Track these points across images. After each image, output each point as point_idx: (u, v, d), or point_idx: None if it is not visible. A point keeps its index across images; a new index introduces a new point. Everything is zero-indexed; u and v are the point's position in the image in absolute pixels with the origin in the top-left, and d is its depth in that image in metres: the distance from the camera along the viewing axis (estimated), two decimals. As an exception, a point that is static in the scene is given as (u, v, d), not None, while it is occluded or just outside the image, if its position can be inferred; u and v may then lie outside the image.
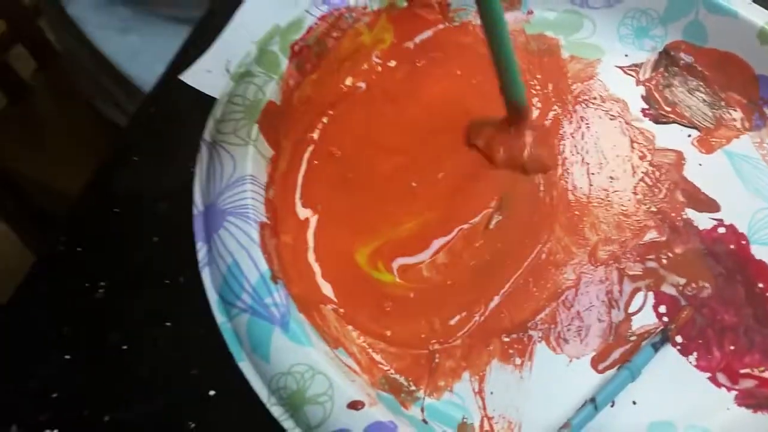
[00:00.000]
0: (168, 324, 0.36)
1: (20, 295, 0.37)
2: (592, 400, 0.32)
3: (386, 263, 0.38)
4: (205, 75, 0.44)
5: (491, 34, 0.36)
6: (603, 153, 0.42)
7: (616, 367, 0.35)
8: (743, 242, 0.39)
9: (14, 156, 0.79)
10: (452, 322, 0.36)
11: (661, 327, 0.36)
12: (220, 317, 0.34)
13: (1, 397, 0.34)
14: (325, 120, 0.43)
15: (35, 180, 0.79)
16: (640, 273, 0.38)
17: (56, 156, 0.79)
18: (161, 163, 0.42)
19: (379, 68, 0.46)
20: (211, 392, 0.34)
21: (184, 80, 0.44)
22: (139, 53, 0.68)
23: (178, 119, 0.43)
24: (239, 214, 0.36)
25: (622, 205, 0.40)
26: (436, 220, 0.40)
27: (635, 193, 0.40)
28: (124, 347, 0.35)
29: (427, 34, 0.47)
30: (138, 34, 0.69)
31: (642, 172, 0.41)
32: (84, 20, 0.69)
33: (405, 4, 0.46)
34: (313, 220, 0.39)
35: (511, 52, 0.37)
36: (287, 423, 0.31)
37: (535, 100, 0.44)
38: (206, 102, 0.42)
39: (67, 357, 0.35)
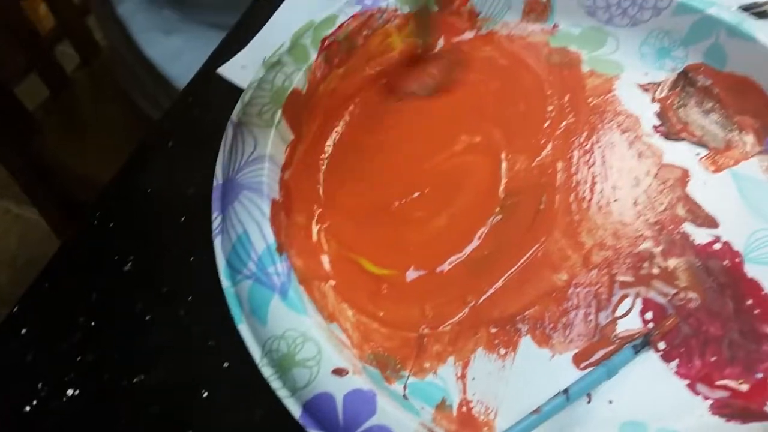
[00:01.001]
0: (190, 298, 0.39)
1: (54, 264, 0.41)
2: (565, 390, 0.34)
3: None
4: (241, 70, 0.48)
5: None
6: (610, 164, 0.43)
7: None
8: (737, 260, 0.40)
9: (52, 146, 0.84)
10: (444, 310, 0.38)
11: (645, 332, 0.37)
12: (225, 282, 0.36)
13: (32, 356, 0.37)
14: (346, 112, 0.46)
15: (71, 169, 0.83)
16: (631, 280, 0.39)
17: (92, 148, 0.83)
18: (194, 149, 0.45)
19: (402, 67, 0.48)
20: (225, 364, 0.36)
21: (221, 74, 0.47)
22: (181, 56, 0.71)
23: (212, 110, 0.46)
24: (254, 190, 0.38)
25: (622, 214, 0.41)
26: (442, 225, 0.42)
27: (636, 204, 0.42)
28: (147, 317, 0.38)
29: (454, 39, 0.50)
30: (181, 38, 0.72)
31: (646, 185, 0.42)
32: (131, 20, 0.72)
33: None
34: (325, 207, 0.42)
35: None
36: (275, 383, 0.33)
37: (550, 108, 0.46)
38: (240, 95, 0.44)
39: (93, 323, 0.38)
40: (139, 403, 0.35)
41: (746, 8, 0.50)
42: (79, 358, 0.37)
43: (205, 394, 0.35)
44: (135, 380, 0.36)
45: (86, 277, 0.40)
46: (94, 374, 0.36)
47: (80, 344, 0.37)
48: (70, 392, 0.36)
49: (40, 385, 0.36)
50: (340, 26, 0.45)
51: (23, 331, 0.38)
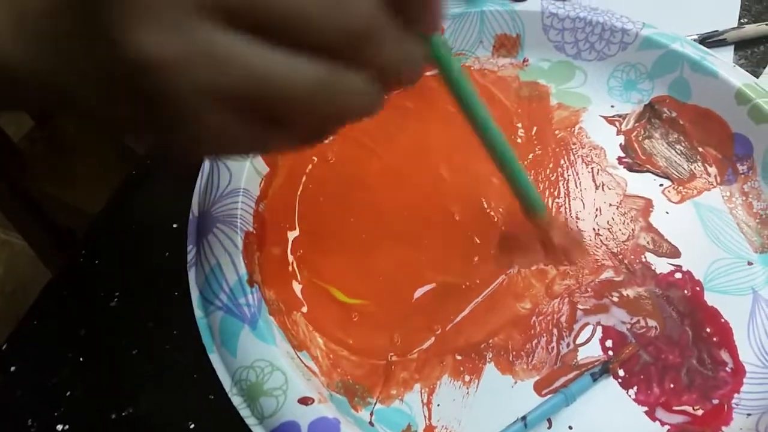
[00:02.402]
0: (175, 332, 0.40)
1: (42, 301, 0.42)
2: (523, 418, 0.35)
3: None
4: None
5: (494, 154, 0.37)
6: (574, 195, 0.45)
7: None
8: (698, 288, 0.41)
9: (38, 175, 0.85)
10: (412, 337, 0.39)
11: (604, 359, 0.38)
12: (198, 312, 0.38)
13: (21, 392, 0.38)
14: (321, 145, 0.47)
15: (56, 198, 0.84)
16: (592, 308, 0.40)
17: (78, 177, 0.84)
18: (177, 185, 0.46)
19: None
20: (211, 396, 0.37)
21: None
22: None
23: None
24: (228, 223, 0.40)
25: (584, 243, 0.43)
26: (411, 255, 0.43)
27: (598, 234, 0.43)
28: (134, 351, 0.40)
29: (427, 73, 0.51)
30: None
31: (609, 215, 0.44)
32: None
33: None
34: (299, 237, 0.43)
35: (517, 167, 0.38)
36: (244, 411, 0.35)
37: (518, 140, 0.48)
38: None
39: (82, 359, 0.39)
40: (129, 436, 0.37)
41: (705, 38, 0.52)
42: (68, 393, 0.38)
43: (192, 426, 0.37)
44: (124, 413, 0.37)
45: (74, 314, 0.41)
46: (84, 408, 0.38)
47: (69, 379, 0.38)
48: (60, 427, 0.37)
49: (29, 421, 0.37)
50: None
51: (12, 368, 0.39)
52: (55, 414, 0.37)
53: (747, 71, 0.48)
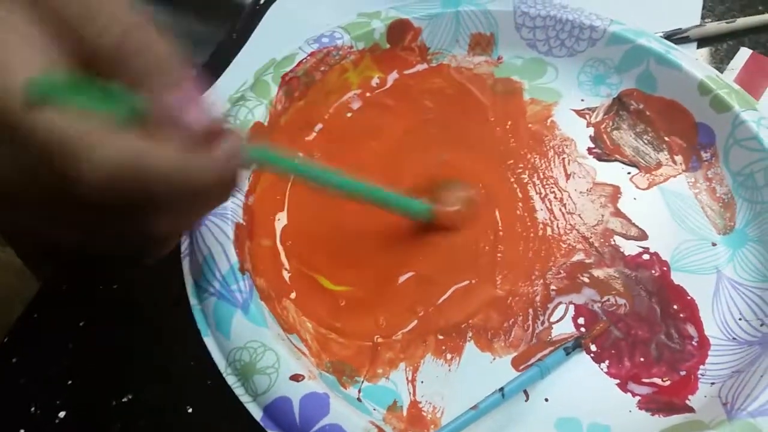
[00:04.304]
0: (171, 321, 0.41)
1: (42, 294, 0.44)
2: (501, 389, 0.37)
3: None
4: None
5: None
6: (545, 183, 0.47)
7: (532, 367, 0.40)
8: (665, 268, 0.43)
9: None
10: (396, 320, 0.42)
11: (577, 335, 0.41)
12: (193, 300, 0.40)
13: (24, 381, 0.40)
14: (306, 142, 0.50)
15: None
16: (564, 288, 0.43)
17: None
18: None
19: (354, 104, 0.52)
20: (208, 382, 0.39)
21: None
22: None
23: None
24: (219, 215, 0.42)
25: (557, 228, 0.45)
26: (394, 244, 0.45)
27: (570, 220, 0.45)
28: (132, 341, 0.41)
29: (406, 72, 0.54)
30: None
31: (580, 202, 0.46)
32: None
33: (388, 45, 0.52)
34: (287, 228, 0.45)
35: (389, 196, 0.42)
36: (238, 390, 0.37)
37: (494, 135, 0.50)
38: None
39: (82, 349, 0.41)
40: (128, 421, 0.38)
41: (669, 35, 0.54)
42: (69, 382, 0.40)
43: (190, 410, 0.39)
44: (124, 399, 0.39)
45: (73, 306, 0.43)
46: (84, 396, 0.39)
47: (70, 369, 0.40)
48: (61, 414, 0.39)
49: (32, 409, 0.39)
50: (299, 63, 0.49)
51: (14, 360, 0.41)
52: (57, 402, 0.39)
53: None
